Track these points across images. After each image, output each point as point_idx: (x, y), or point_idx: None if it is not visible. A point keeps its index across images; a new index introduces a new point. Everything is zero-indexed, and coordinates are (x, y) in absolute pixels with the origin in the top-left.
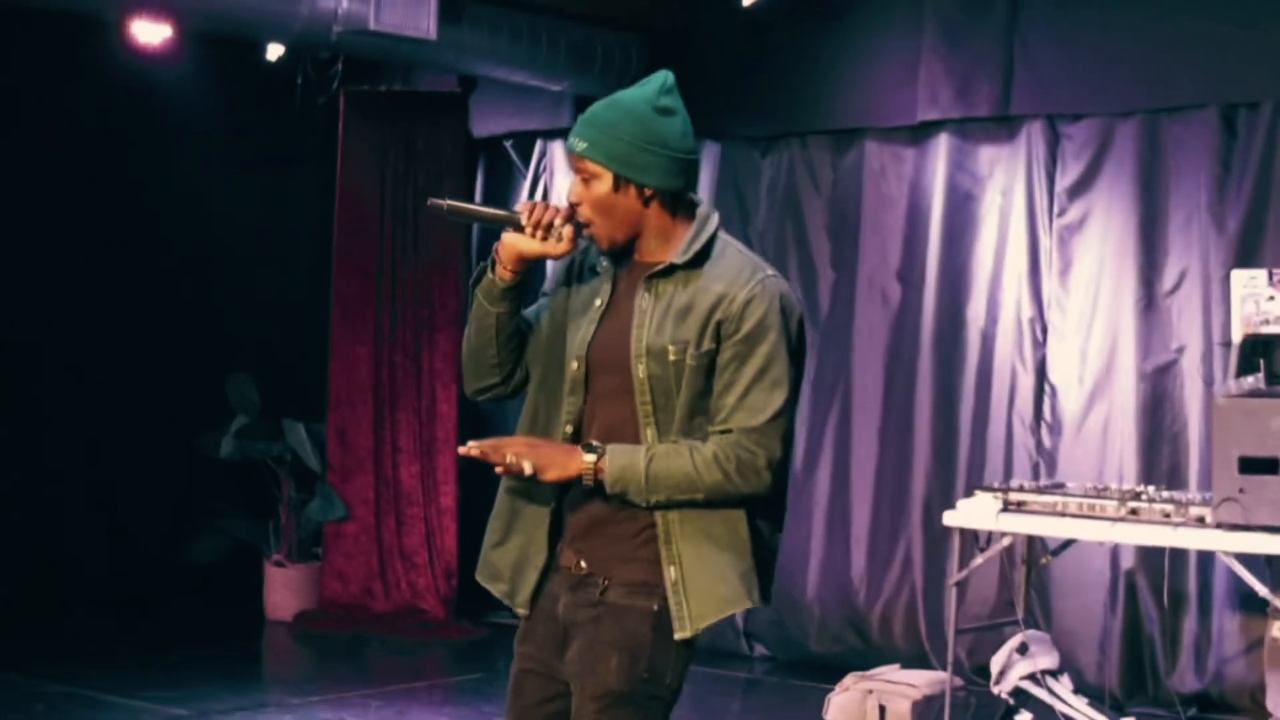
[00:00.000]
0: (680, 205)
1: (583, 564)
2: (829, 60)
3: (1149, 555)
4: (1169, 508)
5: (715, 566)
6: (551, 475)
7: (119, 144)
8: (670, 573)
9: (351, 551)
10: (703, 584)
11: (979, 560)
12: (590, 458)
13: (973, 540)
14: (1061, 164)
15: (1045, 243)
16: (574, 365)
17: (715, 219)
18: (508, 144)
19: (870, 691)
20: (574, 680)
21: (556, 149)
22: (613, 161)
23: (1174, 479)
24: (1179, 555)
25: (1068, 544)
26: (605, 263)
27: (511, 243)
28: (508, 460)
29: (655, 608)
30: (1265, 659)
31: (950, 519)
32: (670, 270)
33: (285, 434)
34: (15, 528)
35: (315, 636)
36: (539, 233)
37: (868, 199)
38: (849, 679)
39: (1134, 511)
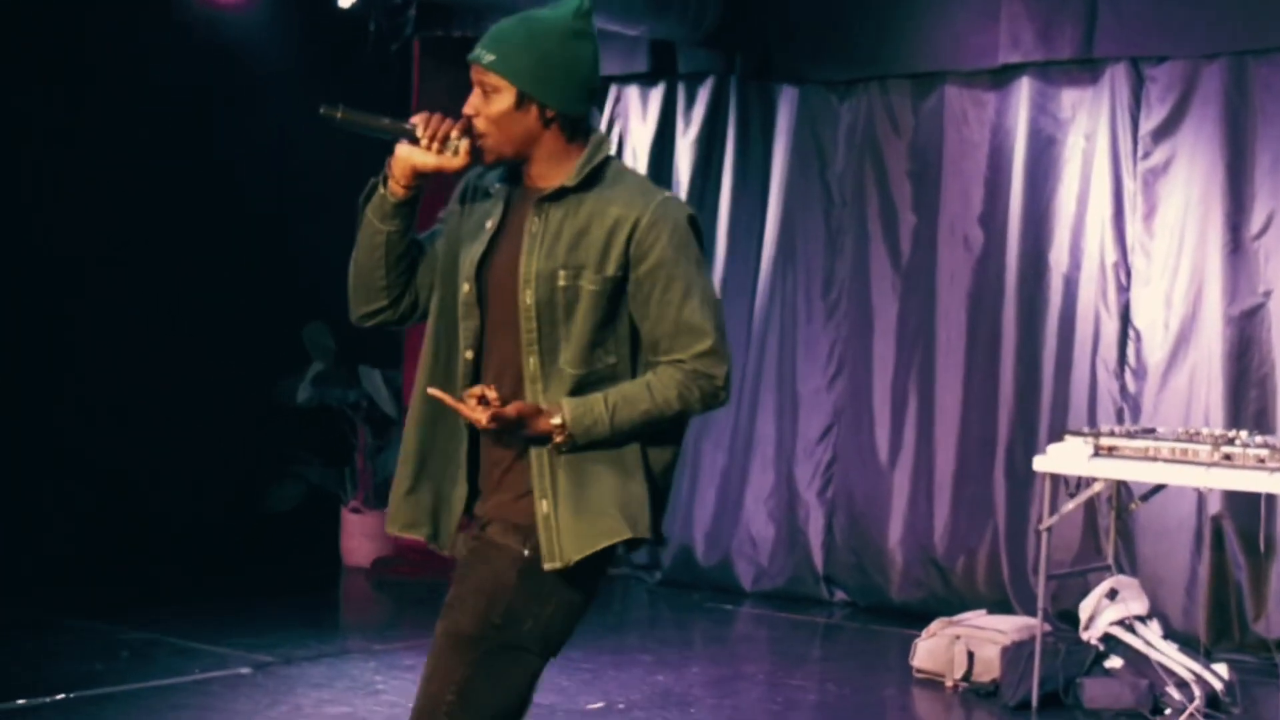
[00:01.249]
0: (578, 131)
1: (480, 510)
2: (908, 3)
3: (1236, 500)
4: (1263, 452)
5: (594, 497)
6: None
7: (193, 94)
8: (542, 506)
9: None
10: (578, 515)
11: (1070, 505)
12: (556, 422)
13: (1060, 485)
14: (1146, 107)
15: (1129, 186)
16: (465, 288)
17: (609, 145)
18: None
19: (958, 637)
20: (444, 605)
21: (631, 94)
22: (518, 78)
23: (1261, 423)
24: (1268, 500)
25: (1157, 489)
26: (498, 185)
27: (406, 156)
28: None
29: (525, 552)
30: None
31: (1040, 464)
32: (561, 194)
33: (361, 380)
34: (96, 477)
35: (393, 583)
36: (435, 145)
37: (949, 143)
38: (936, 624)
39: (1227, 457)
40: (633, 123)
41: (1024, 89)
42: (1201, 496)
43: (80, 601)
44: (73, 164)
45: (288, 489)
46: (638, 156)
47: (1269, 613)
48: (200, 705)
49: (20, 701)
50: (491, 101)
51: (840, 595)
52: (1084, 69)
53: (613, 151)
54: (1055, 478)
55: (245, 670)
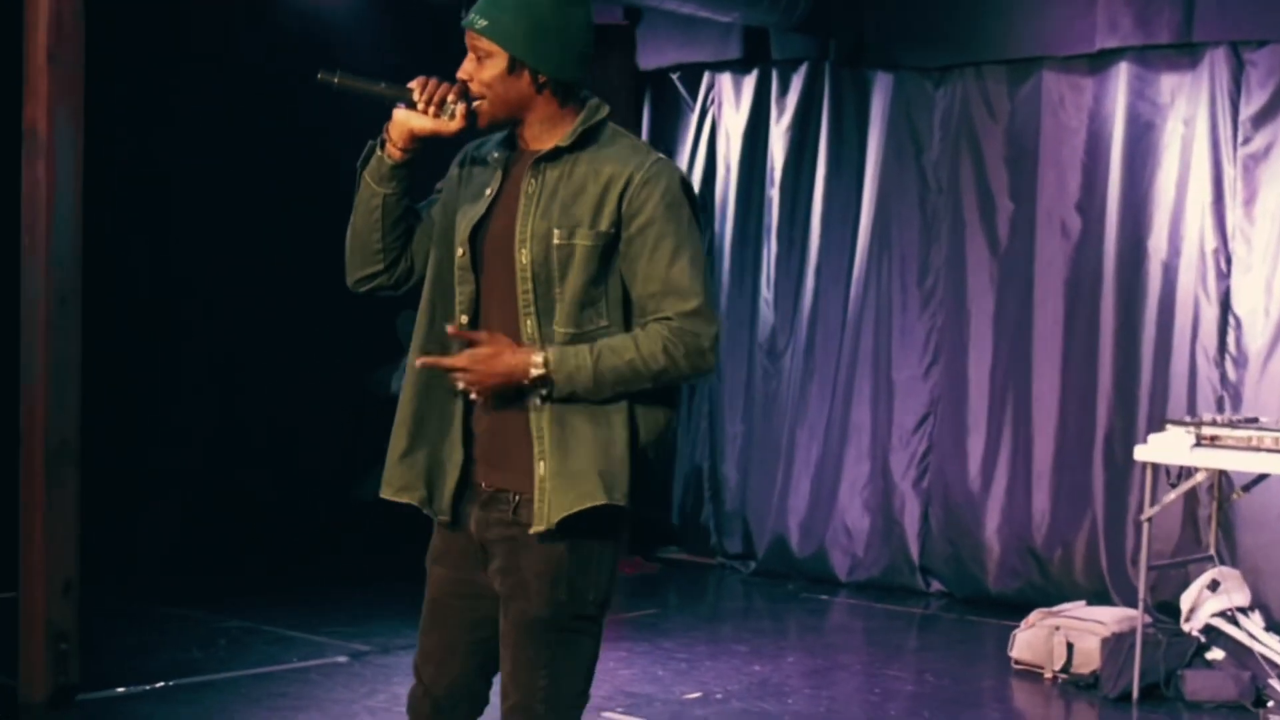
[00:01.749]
0: (570, 97)
1: (487, 480)
2: None
3: None
4: None
5: (577, 461)
6: (496, 385)
7: (290, 86)
8: (539, 468)
9: None
10: (561, 478)
11: (1171, 496)
12: (538, 359)
13: (1160, 475)
14: (1245, 91)
15: (1229, 172)
16: (460, 251)
17: (605, 109)
18: (674, 76)
19: (1057, 628)
20: (501, 601)
21: (725, 81)
22: (510, 44)
23: None
24: None
25: (1260, 479)
26: (496, 153)
27: (403, 120)
28: (457, 380)
29: None
30: None
31: (1141, 454)
32: (556, 154)
33: None
34: (192, 467)
35: None
36: (431, 109)
37: (1046, 129)
38: (1034, 615)
39: None
40: (726, 110)
41: (1122, 74)
42: None
43: (178, 590)
44: (168, 156)
45: (381, 477)
46: (731, 143)
47: None
48: (298, 694)
49: (119, 689)
50: (484, 66)
51: (936, 586)
52: (1183, 53)
53: (605, 114)
54: (1156, 467)
55: (342, 659)
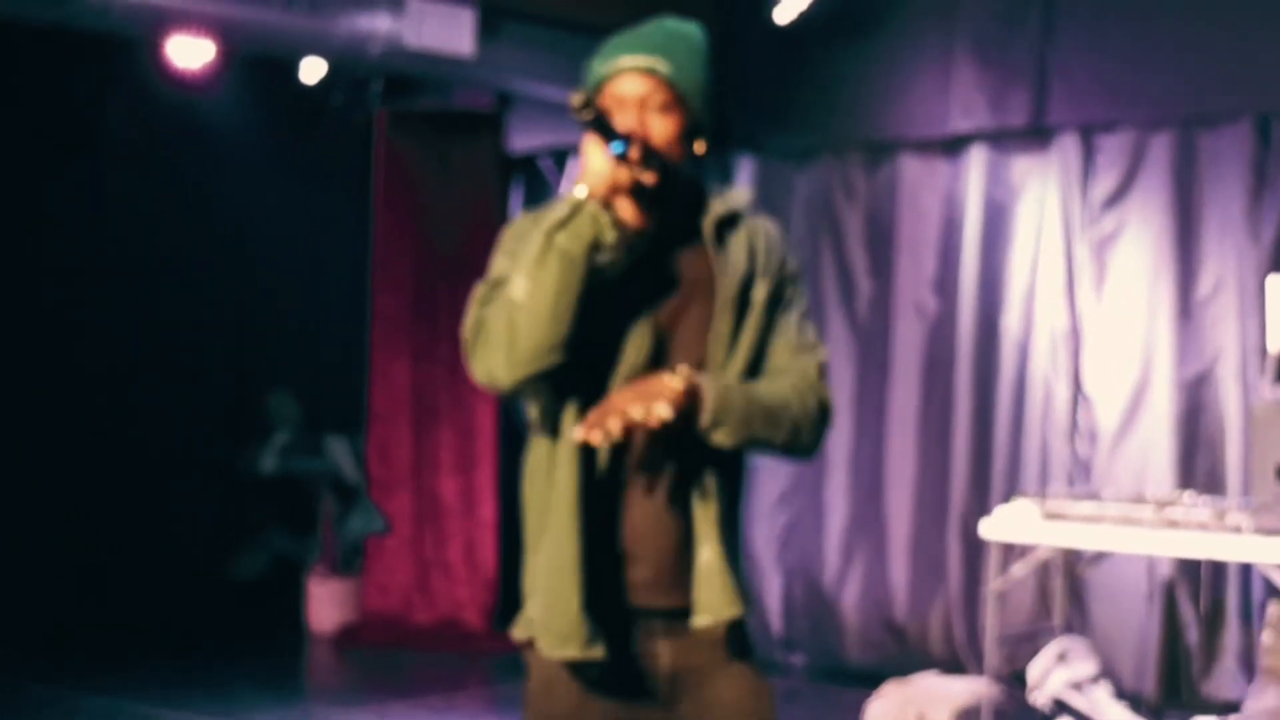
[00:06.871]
0: None
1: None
2: (862, 73)
3: (1188, 561)
4: (1206, 515)
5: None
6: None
7: (158, 165)
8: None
9: (393, 565)
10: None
11: (1016, 570)
12: (678, 381)
13: (1010, 547)
14: (1095, 175)
15: (1080, 254)
16: (641, 343)
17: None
18: (543, 161)
19: (909, 699)
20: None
21: None
22: (698, 100)
23: (1212, 487)
24: (1218, 562)
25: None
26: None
27: (609, 171)
28: (614, 425)
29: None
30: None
31: (988, 529)
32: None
33: (326, 448)
34: (60, 543)
35: (357, 649)
36: (634, 159)
37: (902, 212)
38: (887, 686)
39: (1171, 520)
40: None
41: (975, 158)
42: (1153, 556)
43: (43, 666)
44: (34, 232)
45: (253, 557)
46: None
47: (1218, 674)
48: None
49: None
50: (664, 120)
51: (798, 658)
52: (1035, 138)
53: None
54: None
55: None
